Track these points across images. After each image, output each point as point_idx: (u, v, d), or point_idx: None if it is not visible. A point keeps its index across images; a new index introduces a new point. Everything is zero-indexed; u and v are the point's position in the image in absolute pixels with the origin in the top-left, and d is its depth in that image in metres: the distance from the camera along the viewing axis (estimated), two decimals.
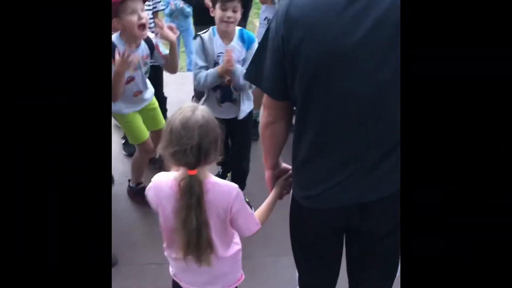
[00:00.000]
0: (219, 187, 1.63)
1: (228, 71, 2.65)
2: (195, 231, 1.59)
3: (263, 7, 3.76)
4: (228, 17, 2.70)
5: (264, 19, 3.46)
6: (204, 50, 2.79)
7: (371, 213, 1.59)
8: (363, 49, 1.39)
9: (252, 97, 2.94)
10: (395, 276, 1.78)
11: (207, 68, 2.77)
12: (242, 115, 2.87)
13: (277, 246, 2.73)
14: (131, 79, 2.87)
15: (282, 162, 1.83)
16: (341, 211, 1.60)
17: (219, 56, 2.77)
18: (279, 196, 1.83)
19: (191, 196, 1.56)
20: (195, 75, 2.76)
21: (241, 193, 1.65)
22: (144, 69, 2.94)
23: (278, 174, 1.83)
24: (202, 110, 1.57)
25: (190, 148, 1.52)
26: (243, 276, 1.89)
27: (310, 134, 1.55)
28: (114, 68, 2.64)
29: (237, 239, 1.82)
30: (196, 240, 1.61)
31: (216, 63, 2.79)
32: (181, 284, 1.86)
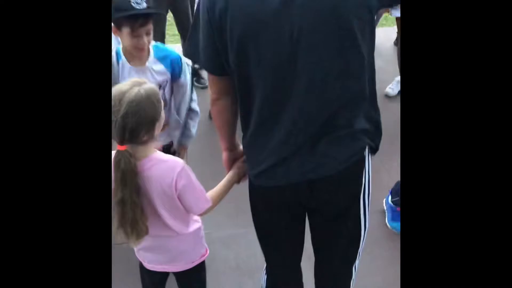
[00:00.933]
0: (163, 163, 1.60)
1: None
2: (120, 206, 1.55)
3: None
4: (143, 44, 2.11)
5: None
6: None
7: (319, 191, 1.59)
8: (283, 13, 1.36)
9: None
10: (353, 261, 1.77)
11: None
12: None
13: (247, 217, 2.71)
14: None
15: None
16: (289, 188, 1.59)
17: None
18: (236, 179, 1.79)
19: (117, 170, 1.53)
20: None
21: (187, 168, 1.62)
22: None
23: (235, 156, 1.80)
24: (144, 88, 1.53)
25: (115, 122, 1.48)
26: (208, 251, 1.88)
27: (251, 110, 1.52)
28: None
29: (196, 216, 1.78)
30: (127, 215, 1.56)
31: None
32: (144, 264, 1.83)
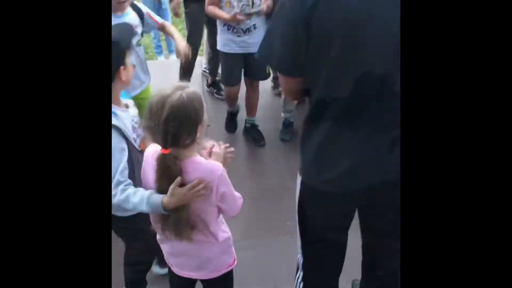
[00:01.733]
0: (202, 166, 1.62)
1: None
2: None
3: None
4: None
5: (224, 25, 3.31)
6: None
7: (390, 192, 1.55)
8: (376, 19, 1.37)
9: None
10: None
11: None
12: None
13: (273, 226, 2.75)
14: None
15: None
16: (361, 192, 1.60)
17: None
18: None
19: (163, 173, 1.58)
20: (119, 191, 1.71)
21: (225, 173, 1.63)
22: (136, 39, 2.72)
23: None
24: (186, 92, 1.53)
25: (157, 127, 1.51)
26: (235, 262, 1.89)
27: (328, 115, 1.52)
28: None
29: (224, 227, 1.81)
30: (174, 215, 1.61)
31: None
32: (173, 268, 1.87)
